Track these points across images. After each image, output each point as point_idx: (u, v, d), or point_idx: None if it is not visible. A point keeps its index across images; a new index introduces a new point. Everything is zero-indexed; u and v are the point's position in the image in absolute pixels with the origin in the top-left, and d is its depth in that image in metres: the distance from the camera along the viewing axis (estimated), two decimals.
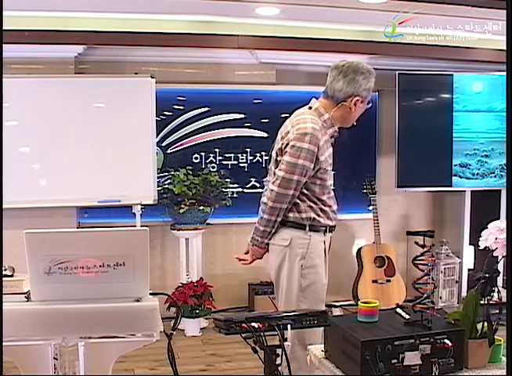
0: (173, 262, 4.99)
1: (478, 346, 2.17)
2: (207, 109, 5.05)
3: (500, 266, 2.34)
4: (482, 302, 2.22)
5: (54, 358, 2.15)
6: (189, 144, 5.07)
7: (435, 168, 5.11)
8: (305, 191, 2.73)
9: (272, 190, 2.69)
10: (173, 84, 4.96)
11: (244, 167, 5.17)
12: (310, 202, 2.73)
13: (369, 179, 5.12)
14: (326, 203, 2.77)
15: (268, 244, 2.81)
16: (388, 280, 5.00)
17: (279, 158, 2.75)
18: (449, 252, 5.21)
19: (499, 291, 2.25)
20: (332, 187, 2.88)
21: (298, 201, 2.73)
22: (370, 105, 2.86)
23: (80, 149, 4.52)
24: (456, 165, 5.13)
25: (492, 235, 2.11)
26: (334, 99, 2.76)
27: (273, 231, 2.76)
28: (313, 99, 2.84)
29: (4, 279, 2.07)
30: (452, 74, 5.11)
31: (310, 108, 2.79)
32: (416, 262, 5.05)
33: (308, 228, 2.73)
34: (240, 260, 2.93)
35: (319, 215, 2.74)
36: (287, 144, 2.70)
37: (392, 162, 5.12)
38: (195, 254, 4.79)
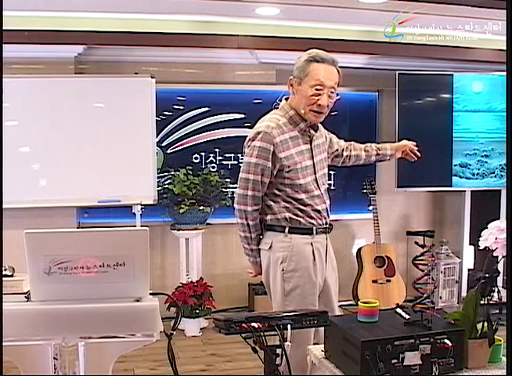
0: (173, 262, 4.99)
1: (478, 346, 2.17)
2: (207, 109, 5.05)
3: (500, 266, 2.34)
4: (482, 302, 2.21)
5: (54, 358, 2.15)
6: (189, 144, 5.07)
7: (435, 168, 5.11)
8: (277, 192, 2.67)
9: (236, 193, 2.70)
10: (173, 84, 4.96)
11: None
12: (285, 203, 2.66)
13: (369, 179, 5.12)
14: (305, 202, 2.67)
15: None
16: (388, 280, 5.00)
17: None
18: (449, 252, 5.21)
19: (499, 291, 2.24)
20: (316, 185, 2.72)
21: (271, 203, 2.68)
22: (337, 97, 2.75)
23: (80, 149, 4.52)
24: (456, 165, 5.13)
25: (492, 235, 2.10)
26: None
27: (254, 236, 2.71)
28: (283, 98, 2.80)
29: (4, 279, 2.07)
30: (452, 74, 5.11)
31: (276, 108, 2.78)
32: (416, 262, 5.05)
33: (287, 230, 2.67)
34: (250, 273, 2.90)
35: (297, 215, 2.66)
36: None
37: (392, 162, 5.10)
38: (195, 254, 4.79)
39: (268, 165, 2.62)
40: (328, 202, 2.80)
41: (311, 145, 2.74)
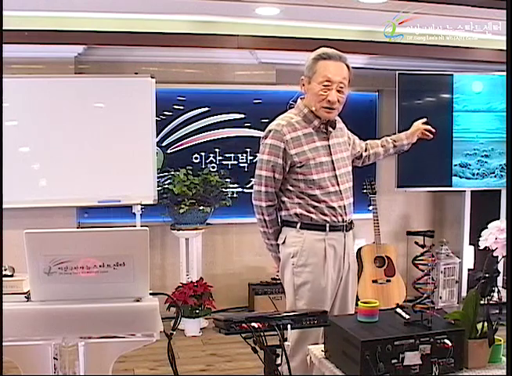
0: (173, 262, 4.99)
1: (478, 346, 2.17)
2: (207, 109, 5.05)
3: (500, 266, 2.34)
4: (482, 302, 2.21)
5: (54, 358, 2.15)
6: (189, 144, 5.07)
7: (435, 168, 5.11)
8: (291, 188, 2.72)
9: (253, 190, 2.78)
10: (173, 84, 4.96)
11: (244, 167, 5.17)
12: (298, 199, 2.71)
13: (369, 179, 5.12)
14: (319, 198, 2.69)
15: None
16: (388, 280, 5.00)
17: None
18: (449, 252, 5.21)
19: (499, 291, 2.24)
20: (336, 182, 2.72)
21: (285, 199, 2.73)
22: (345, 91, 2.72)
23: (80, 149, 4.52)
24: (456, 165, 5.13)
25: (492, 235, 2.10)
26: None
27: (271, 231, 2.78)
28: (299, 98, 2.84)
29: (4, 279, 2.07)
30: (452, 74, 5.11)
31: (291, 108, 2.84)
32: (416, 262, 5.01)
33: (299, 226, 2.71)
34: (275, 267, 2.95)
35: (309, 211, 2.69)
36: None
37: (392, 162, 5.12)
38: (195, 254, 4.79)
39: (279, 162, 2.68)
40: (350, 200, 2.81)
41: (329, 142, 2.77)
